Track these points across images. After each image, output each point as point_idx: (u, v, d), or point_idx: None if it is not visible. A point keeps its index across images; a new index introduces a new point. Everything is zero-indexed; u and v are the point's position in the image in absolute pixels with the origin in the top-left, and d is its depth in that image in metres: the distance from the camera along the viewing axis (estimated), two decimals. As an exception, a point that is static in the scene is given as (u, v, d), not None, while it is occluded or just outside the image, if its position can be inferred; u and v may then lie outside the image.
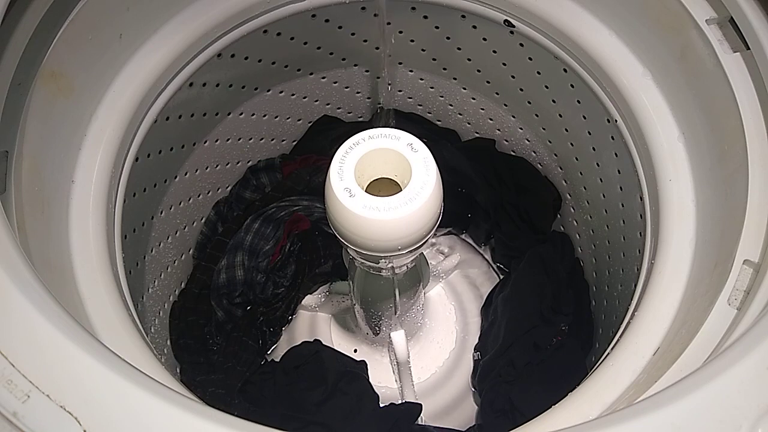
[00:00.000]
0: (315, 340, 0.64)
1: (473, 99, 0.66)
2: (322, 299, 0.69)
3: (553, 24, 0.49)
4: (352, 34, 0.60)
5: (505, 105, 0.65)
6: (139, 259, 0.54)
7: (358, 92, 0.70)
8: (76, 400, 0.24)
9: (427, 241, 0.38)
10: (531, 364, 0.56)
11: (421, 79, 0.67)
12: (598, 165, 0.57)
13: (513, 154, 0.70)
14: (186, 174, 0.60)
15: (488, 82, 0.63)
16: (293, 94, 0.66)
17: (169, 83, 0.48)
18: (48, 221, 0.38)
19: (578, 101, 0.54)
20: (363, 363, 0.62)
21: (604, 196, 0.57)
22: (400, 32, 0.60)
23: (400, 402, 0.59)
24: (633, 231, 0.50)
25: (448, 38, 0.59)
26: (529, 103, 0.61)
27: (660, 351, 0.35)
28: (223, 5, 0.49)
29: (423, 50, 0.62)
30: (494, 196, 0.69)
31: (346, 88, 0.69)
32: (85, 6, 0.40)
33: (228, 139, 0.64)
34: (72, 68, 0.40)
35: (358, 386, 0.57)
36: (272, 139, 0.70)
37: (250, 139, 0.67)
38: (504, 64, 0.59)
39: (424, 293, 0.65)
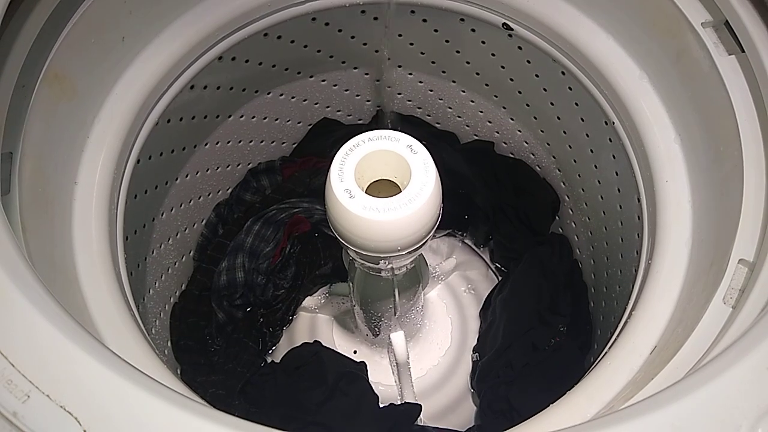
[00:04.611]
0: (315, 341, 0.64)
1: (472, 101, 0.67)
2: (322, 301, 0.70)
3: (551, 27, 0.49)
4: (352, 37, 0.61)
5: (504, 107, 0.65)
6: (140, 260, 0.54)
7: (357, 95, 0.70)
8: (76, 400, 0.24)
9: (426, 242, 0.38)
10: (529, 365, 0.56)
11: (421, 82, 0.67)
12: (596, 167, 0.57)
13: (512, 156, 0.70)
14: (187, 176, 0.60)
15: (487, 84, 0.63)
16: (293, 97, 0.67)
17: (170, 86, 0.49)
18: (51, 222, 0.39)
19: (576, 104, 0.54)
20: (363, 364, 0.62)
21: (602, 197, 0.57)
22: (400, 35, 0.60)
23: (399, 403, 0.60)
24: (631, 232, 0.51)
25: (447, 41, 0.60)
26: (528, 105, 0.62)
27: (657, 349, 0.35)
28: (224, 9, 0.49)
29: (422, 53, 0.63)
30: (493, 197, 0.69)
31: (346, 90, 0.69)
32: (89, 9, 0.40)
33: (228, 142, 0.64)
34: (75, 71, 0.41)
35: (358, 387, 0.57)
36: (272, 142, 0.70)
37: (251, 141, 0.67)
38: (502, 67, 0.59)
39: (424, 294, 0.65)
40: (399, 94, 0.69)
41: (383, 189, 0.37)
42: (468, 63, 0.61)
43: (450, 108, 0.69)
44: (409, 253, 0.38)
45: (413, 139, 0.37)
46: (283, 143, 0.72)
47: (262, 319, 0.65)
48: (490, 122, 0.68)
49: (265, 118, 0.66)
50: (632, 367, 0.34)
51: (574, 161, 0.61)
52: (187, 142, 0.58)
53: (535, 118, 0.62)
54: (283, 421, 0.55)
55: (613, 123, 0.48)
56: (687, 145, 0.43)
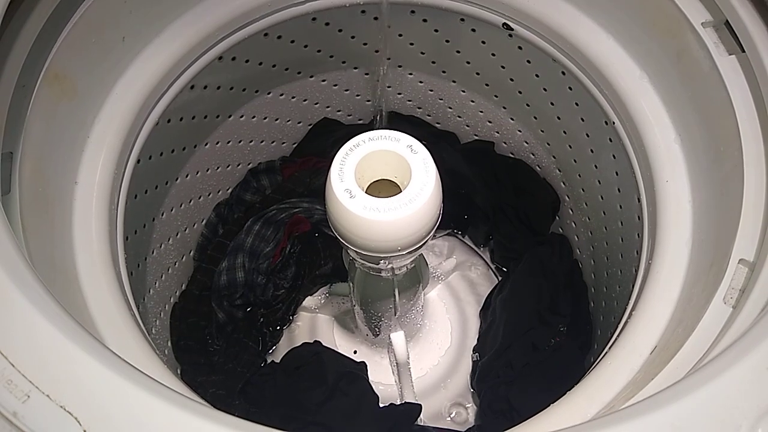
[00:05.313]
0: (315, 341, 0.64)
1: (472, 101, 0.67)
2: (322, 301, 0.70)
3: (551, 27, 0.49)
4: (352, 37, 0.61)
5: (504, 107, 0.65)
6: (140, 260, 0.54)
7: (357, 95, 0.70)
8: (76, 400, 0.24)
9: (426, 242, 0.38)
10: (529, 365, 0.56)
11: (421, 82, 0.67)
12: (596, 167, 0.57)
13: (512, 156, 0.70)
14: (187, 176, 0.60)
15: (487, 84, 0.63)
16: (293, 97, 0.67)
17: (170, 86, 0.49)
18: (52, 222, 0.39)
19: (576, 104, 0.54)
20: (363, 364, 0.62)
21: (602, 197, 0.57)
22: (400, 35, 0.60)
23: (399, 403, 0.60)
24: (631, 232, 0.51)
25: (447, 41, 0.60)
26: (528, 105, 0.62)
27: (657, 349, 0.35)
28: (224, 9, 0.49)
29: (422, 53, 0.63)
30: (493, 197, 0.69)
31: (346, 90, 0.69)
32: (89, 9, 0.40)
33: (228, 142, 0.64)
34: (75, 71, 0.41)
35: (358, 387, 0.57)
36: (272, 142, 0.70)
37: (251, 141, 0.68)
38: (503, 67, 0.59)
39: (424, 294, 0.65)
40: (399, 94, 0.69)
41: (383, 189, 0.37)
42: (468, 63, 0.61)
43: (450, 108, 0.69)
44: (410, 253, 0.38)
45: (413, 139, 0.37)
46: (283, 143, 0.72)
47: (262, 319, 0.65)
48: (490, 122, 0.68)
49: (265, 118, 0.66)
50: (632, 367, 0.34)
51: (574, 161, 0.61)
52: (187, 142, 0.58)
53: (535, 118, 0.62)
54: (283, 421, 0.55)
55: (614, 123, 0.48)
56: (687, 145, 0.43)
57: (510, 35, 0.53)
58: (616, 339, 0.38)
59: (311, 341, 0.65)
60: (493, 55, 0.58)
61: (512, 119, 0.66)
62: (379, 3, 0.54)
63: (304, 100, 0.68)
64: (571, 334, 0.59)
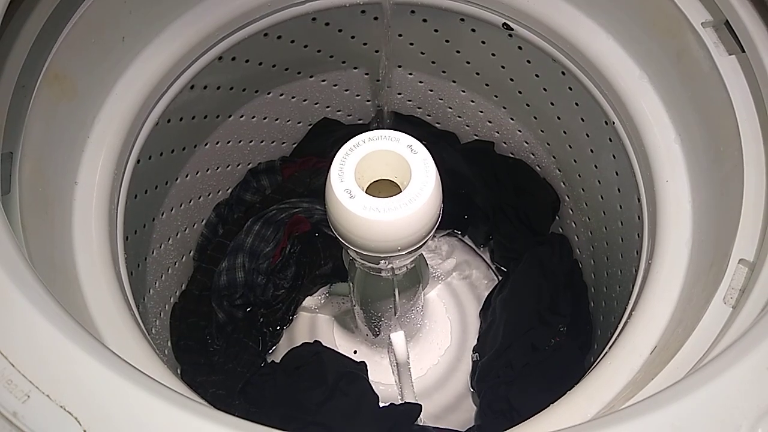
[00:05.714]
0: (315, 341, 0.64)
1: (472, 101, 0.67)
2: (322, 301, 0.70)
3: (551, 27, 0.49)
4: (352, 37, 0.61)
5: (504, 107, 0.65)
6: (140, 260, 0.54)
7: (357, 95, 0.70)
8: (76, 400, 0.24)
9: (426, 242, 0.38)
10: (529, 365, 0.57)
11: (421, 82, 0.67)
12: (596, 167, 0.57)
13: (512, 156, 0.70)
14: (187, 176, 0.60)
15: (487, 84, 0.63)
16: (293, 97, 0.67)
17: (170, 86, 0.49)
18: (51, 222, 0.39)
19: (576, 104, 0.54)
20: (363, 364, 0.62)
21: (602, 197, 0.58)
22: (400, 35, 0.60)
23: (399, 403, 0.60)
24: (631, 232, 0.51)
25: (447, 41, 0.60)
26: (528, 105, 0.62)
27: (657, 349, 0.35)
28: (224, 9, 0.49)
29: (422, 53, 0.63)
30: (493, 197, 0.69)
31: (346, 90, 0.69)
32: (89, 9, 0.40)
33: (228, 142, 0.64)
34: (75, 71, 0.41)
35: (358, 387, 0.57)
36: (272, 142, 0.70)
37: (251, 141, 0.68)
38: (503, 67, 0.59)
39: (424, 294, 0.65)
40: (399, 94, 0.69)
41: (383, 189, 0.37)
42: (468, 63, 0.62)
43: (450, 108, 0.69)
44: (410, 253, 0.38)
45: (413, 139, 0.37)
46: (283, 143, 0.72)
47: (262, 319, 0.65)
48: (490, 122, 0.68)
49: (265, 118, 0.66)
50: (632, 367, 0.34)
51: (574, 161, 0.61)
52: (187, 142, 0.58)
53: (535, 118, 0.63)
54: (283, 421, 0.55)
55: (613, 123, 0.48)
56: (687, 145, 0.43)
57: (510, 35, 0.53)
58: (616, 339, 0.38)
59: (311, 341, 0.65)
60: (493, 55, 0.58)
61: (512, 119, 0.66)
62: (379, 3, 0.54)
63: (304, 100, 0.68)
64: (571, 334, 0.59)
